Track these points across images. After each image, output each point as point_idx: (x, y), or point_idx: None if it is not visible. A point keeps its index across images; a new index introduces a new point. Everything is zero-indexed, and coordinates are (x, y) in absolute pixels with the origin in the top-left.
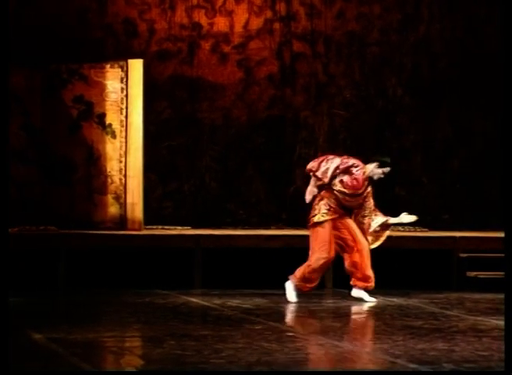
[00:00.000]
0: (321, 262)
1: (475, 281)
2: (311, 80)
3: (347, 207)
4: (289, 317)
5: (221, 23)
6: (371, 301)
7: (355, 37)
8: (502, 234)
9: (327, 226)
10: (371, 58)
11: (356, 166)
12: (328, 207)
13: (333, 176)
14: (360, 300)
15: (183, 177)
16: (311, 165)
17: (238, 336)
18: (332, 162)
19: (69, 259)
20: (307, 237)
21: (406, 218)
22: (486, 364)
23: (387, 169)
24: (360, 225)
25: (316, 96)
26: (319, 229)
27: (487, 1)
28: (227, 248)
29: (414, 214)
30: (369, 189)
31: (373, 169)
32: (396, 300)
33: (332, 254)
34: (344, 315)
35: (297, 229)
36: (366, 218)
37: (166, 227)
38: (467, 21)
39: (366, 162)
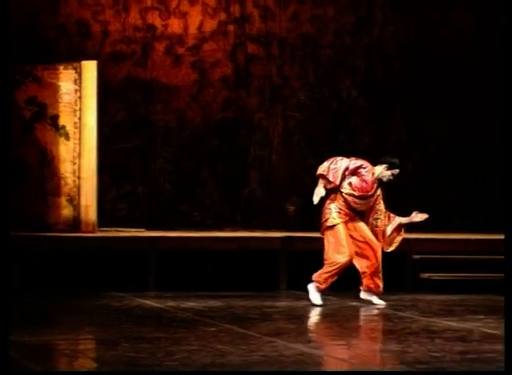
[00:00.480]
0: (340, 263)
1: (429, 283)
2: (265, 82)
3: (357, 210)
4: (244, 319)
5: (175, 25)
6: (380, 304)
7: (309, 40)
8: (455, 236)
9: (341, 228)
10: (325, 61)
11: (364, 168)
12: (338, 210)
13: (342, 178)
14: (369, 302)
15: (137, 179)
16: (322, 169)
17: (192, 338)
18: (341, 164)
19: (22, 261)
20: (262, 239)
21: (417, 217)
22: (438, 365)
23: (396, 171)
24: (374, 228)
25: (270, 98)
26: (333, 232)
27: (440, 3)
28: (181, 250)
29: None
30: (379, 191)
31: (382, 171)
32: (349, 302)
33: (351, 254)
34: (298, 316)
35: (252, 231)
36: (379, 220)
37: (120, 229)
38: (420, 23)
39: (374, 164)
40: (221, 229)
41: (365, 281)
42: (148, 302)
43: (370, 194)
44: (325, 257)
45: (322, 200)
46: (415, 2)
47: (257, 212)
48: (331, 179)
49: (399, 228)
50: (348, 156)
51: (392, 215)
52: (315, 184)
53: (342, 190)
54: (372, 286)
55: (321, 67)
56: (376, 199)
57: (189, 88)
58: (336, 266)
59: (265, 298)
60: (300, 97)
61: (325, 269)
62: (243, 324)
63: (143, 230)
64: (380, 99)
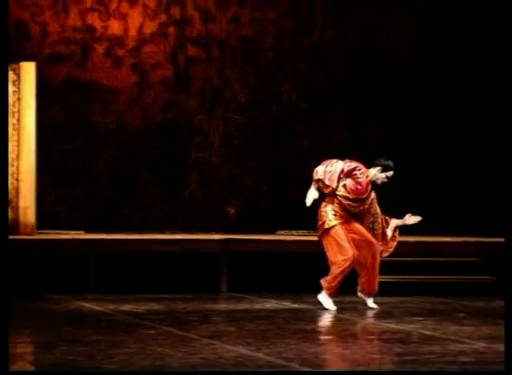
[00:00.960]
0: (347, 264)
1: None
2: (205, 84)
3: (352, 212)
4: (184, 321)
5: (115, 27)
6: (373, 307)
7: (249, 42)
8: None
9: (339, 228)
10: (266, 63)
11: (359, 170)
12: (334, 212)
13: (338, 181)
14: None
15: (76, 181)
16: (319, 174)
17: (131, 341)
18: (336, 166)
19: None
20: (202, 242)
21: (410, 219)
22: (377, 367)
23: (390, 173)
24: (373, 232)
25: (211, 100)
26: (332, 234)
27: (379, 8)
28: (121, 253)
29: (309, 219)
30: (373, 195)
31: (376, 174)
32: (289, 304)
33: (354, 252)
34: (239, 319)
35: (192, 233)
36: (376, 224)
37: (59, 232)
38: (359, 27)
39: (368, 166)
40: (161, 231)
41: (361, 283)
42: (87, 305)
43: (364, 197)
44: (330, 260)
45: (315, 203)
46: (355, 7)
47: (197, 214)
48: (327, 182)
49: (394, 231)
50: (342, 158)
51: (387, 218)
52: (256, 186)
53: (337, 192)
54: (367, 288)
55: (262, 70)
56: (371, 202)
57: (129, 90)
58: (343, 267)
59: (205, 301)
60: (240, 99)
61: (333, 272)
62: (182, 327)
63: (82, 232)
64: (320, 102)
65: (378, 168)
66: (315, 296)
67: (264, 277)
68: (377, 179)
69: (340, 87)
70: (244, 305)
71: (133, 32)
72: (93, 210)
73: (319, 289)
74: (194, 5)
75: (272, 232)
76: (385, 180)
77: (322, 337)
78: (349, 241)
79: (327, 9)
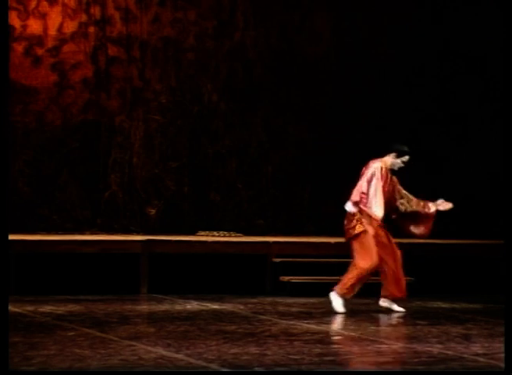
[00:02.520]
0: (368, 270)
1: (289, 286)
2: (126, 84)
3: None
4: (103, 323)
5: (34, 26)
6: (400, 310)
7: (171, 43)
8: (315, 239)
9: (367, 234)
10: (187, 64)
11: (374, 175)
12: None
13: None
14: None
15: None
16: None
17: (50, 343)
18: (362, 180)
19: None
20: (123, 243)
21: (442, 205)
22: (297, 367)
23: (406, 158)
24: (401, 206)
25: (131, 101)
26: (361, 239)
27: (299, 9)
28: (40, 254)
29: (230, 219)
30: (394, 179)
31: (392, 161)
32: (210, 305)
33: (377, 260)
34: (159, 320)
35: (112, 234)
36: (411, 202)
37: None
38: (280, 28)
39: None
40: (81, 232)
41: (385, 289)
42: None
43: (386, 190)
44: (353, 262)
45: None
46: (276, 8)
47: (117, 215)
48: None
49: (426, 214)
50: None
51: (425, 201)
52: (176, 187)
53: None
54: (392, 294)
55: (183, 71)
56: (394, 186)
57: (49, 90)
58: (366, 271)
59: (126, 302)
60: (161, 100)
61: (349, 274)
62: (102, 328)
63: None
64: (241, 103)
65: (393, 154)
66: (236, 297)
67: (185, 278)
68: (393, 165)
69: (261, 88)
70: (165, 306)
71: (52, 31)
72: (11, 211)
73: (245, 289)
74: (115, 5)
75: (193, 233)
76: (402, 165)
77: (243, 338)
78: (374, 248)
79: (248, 10)
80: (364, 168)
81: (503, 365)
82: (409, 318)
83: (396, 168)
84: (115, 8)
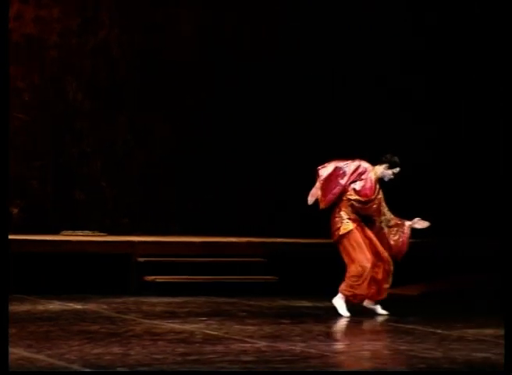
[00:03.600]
0: (364, 268)
1: (153, 285)
2: None
3: (365, 215)
4: None
5: None
6: (383, 313)
7: (33, 40)
8: (179, 239)
9: (355, 232)
10: (51, 62)
11: (364, 172)
12: (348, 216)
13: (350, 182)
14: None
15: None
16: (344, 181)
17: None
18: (348, 168)
19: None
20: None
21: (418, 223)
22: (159, 367)
23: (397, 170)
24: (383, 232)
25: None
26: (348, 239)
27: (164, 7)
28: None
29: (94, 218)
30: (381, 194)
31: (383, 171)
32: (73, 305)
33: (371, 257)
34: (20, 320)
35: None
36: (390, 221)
37: None
38: (144, 26)
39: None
40: None
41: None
42: None
43: (373, 197)
44: (348, 263)
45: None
46: (141, 5)
47: None
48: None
49: (401, 230)
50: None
51: (399, 220)
52: (40, 186)
53: (349, 197)
54: (374, 297)
55: (47, 68)
56: (380, 202)
57: None
58: (363, 269)
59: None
60: (24, 98)
61: (351, 275)
62: None
63: None
64: (106, 101)
65: (385, 165)
66: (100, 297)
67: (48, 278)
68: (384, 176)
69: (126, 87)
70: (26, 307)
71: None
72: None
73: (109, 289)
74: None
75: (57, 232)
76: (392, 176)
77: (106, 338)
78: (365, 246)
79: (113, 8)
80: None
81: (364, 362)
82: (273, 317)
83: (386, 179)
84: None
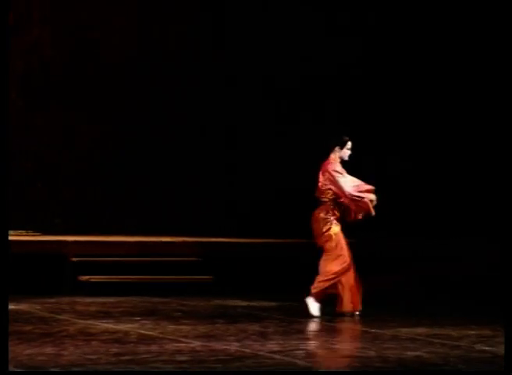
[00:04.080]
0: (343, 268)
1: (87, 285)
2: None
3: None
4: None
5: None
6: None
7: None
8: (113, 238)
9: (340, 236)
10: None
11: (336, 171)
12: (336, 217)
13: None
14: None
15: None
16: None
17: None
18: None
19: None
20: None
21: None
22: (93, 367)
23: (349, 144)
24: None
25: None
26: (335, 239)
27: (98, 5)
28: None
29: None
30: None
31: (341, 154)
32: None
33: (350, 261)
34: None
35: None
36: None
37: None
38: (77, 25)
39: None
40: None
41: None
42: None
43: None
44: (324, 263)
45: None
46: (74, 6)
47: None
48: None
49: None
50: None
51: None
52: None
53: (329, 197)
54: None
55: None
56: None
57: None
58: (341, 270)
59: None
60: None
61: (322, 278)
62: None
63: None
64: (37, 101)
65: (337, 147)
66: (33, 297)
67: None
68: (344, 156)
69: (57, 87)
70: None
71: None
72: None
73: (42, 289)
74: None
75: None
76: (350, 152)
77: (39, 339)
78: (347, 250)
79: (45, 6)
80: (321, 173)
81: (298, 361)
82: (207, 316)
83: (346, 158)
84: None
